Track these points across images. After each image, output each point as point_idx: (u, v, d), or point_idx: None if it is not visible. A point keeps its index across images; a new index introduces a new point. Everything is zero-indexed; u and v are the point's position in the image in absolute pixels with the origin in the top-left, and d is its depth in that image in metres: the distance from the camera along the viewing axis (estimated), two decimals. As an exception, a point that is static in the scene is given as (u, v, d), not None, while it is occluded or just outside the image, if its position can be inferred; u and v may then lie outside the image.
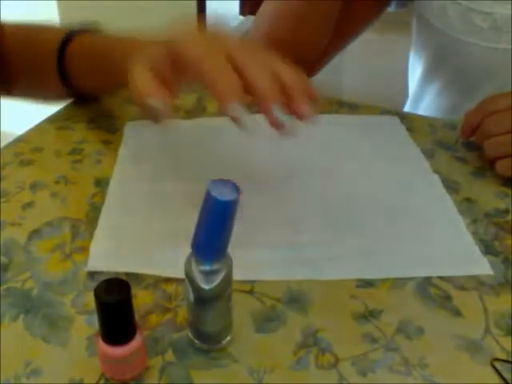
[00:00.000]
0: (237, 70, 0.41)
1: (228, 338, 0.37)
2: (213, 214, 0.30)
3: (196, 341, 0.36)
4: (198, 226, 0.31)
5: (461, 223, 0.48)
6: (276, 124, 0.40)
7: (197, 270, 0.33)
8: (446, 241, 0.46)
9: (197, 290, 0.33)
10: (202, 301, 0.34)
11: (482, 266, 0.43)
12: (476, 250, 0.45)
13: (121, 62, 0.52)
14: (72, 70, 0.59)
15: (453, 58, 0.70)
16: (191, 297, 0.34)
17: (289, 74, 0.43)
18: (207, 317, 0.35)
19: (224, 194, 0.30)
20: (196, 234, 0.32)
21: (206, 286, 0.33)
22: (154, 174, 0.52)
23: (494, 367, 0.36)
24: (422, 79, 0.80)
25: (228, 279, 0.34)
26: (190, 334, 0.37)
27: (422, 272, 0.43)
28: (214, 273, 0.33)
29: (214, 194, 0.30)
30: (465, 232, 0.47)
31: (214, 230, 0.31)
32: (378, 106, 0.66)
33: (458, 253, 0.45)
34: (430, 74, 0.78)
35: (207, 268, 0.33)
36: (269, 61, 0.43)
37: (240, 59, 0.41)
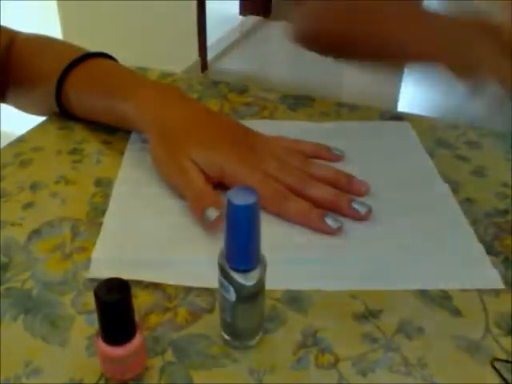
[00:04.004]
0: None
1: (261, 333, 0.37)
2: (237, 221, 0.32)
3: (232, 340, 0.37)
4: (227, 236, 0.32)
5: (472, 235, 0.47)
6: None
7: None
8: (456, 253, 0.45)
9: (239, 288, 0.34)
10: (245, 298, 0.34)
11: (493, 280, 0.42)
12: (488, 262, 0.44)
13: (119, 105, 0.54)
14: (68, 99, 0.60)
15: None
16: (232, 297, 0.34)
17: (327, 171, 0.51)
18: (248, 314, 0.36)
19: (244, 200, 0.31)
20: (227, 246, 0.33)
21: (248, 283, 0.33)
22: (158, 179, 0.52)
23: (494, 367, 0.36)
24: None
25: (264, 274, 0.34)
26: (225, 335, 0.37)
27: (432, 284, 0.42)
28: (252, 269, 0.33)
29: (235, 201, 0.31)
30: (476, 244, 0.46)
31: (242, 237, 0.32)
32: (377, 107, 0.67)
33: (469, 265, 0.44)
34: None
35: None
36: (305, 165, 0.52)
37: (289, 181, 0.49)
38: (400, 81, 2.43)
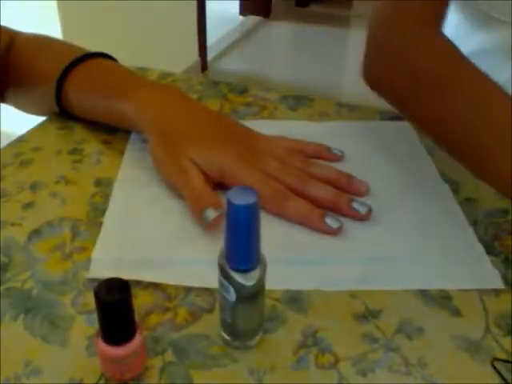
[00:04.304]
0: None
1: (261, 333, 0.37)
2: (237, 221, 0.31)
3: (232, 340, 0.37)
4: (227, 236, 0.32)
5: (472, 235, 0.47)
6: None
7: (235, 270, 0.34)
8: (456, 253, 0.45)
9: (239, 288, 0.34)
10: (245, 298, 0.34)
11: (493, 280, 0.42)
12: (488, 262, 0.44)
13: (119, 105, 0.54)
14: (68, 99, 0.60)
15: (477, 34, 0.68)
16: (232, 297, 0.34)
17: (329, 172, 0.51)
18: (248, 314, 0.36)
19: (244, 200, 0.31)
20: (227, 246, 0.33)
21: (248, 283, 0.33)
22: (158, 179, 0.52)
23: (494, 367, 0.36)
24: None
25: (264, 274, 0.34)
26: (225, 335, 0.37)
27: (432, 284, 0.42)
28: (252, 269, 0.33)
29: (235, 201, 0.30)
30: (476, 244, 0.46)
31: (242, 238, 0.32)
32: (377, 107, 0.66)
33: (469, 265, 0.44)
34: None
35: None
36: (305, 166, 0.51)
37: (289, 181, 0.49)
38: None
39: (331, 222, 0.46)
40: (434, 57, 0.51)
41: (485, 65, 0.58)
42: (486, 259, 0.44)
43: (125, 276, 0.33)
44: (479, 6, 0.69)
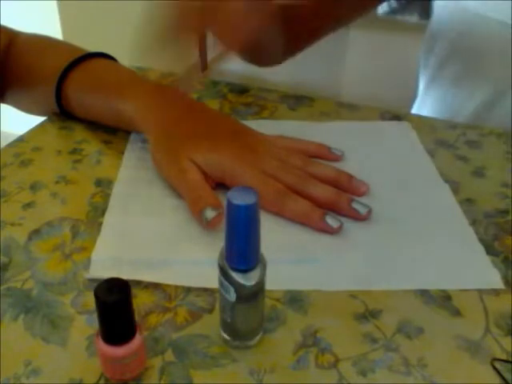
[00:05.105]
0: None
1: (261, 333, 0.37)
2: (237, 221, 0.31)
3: (232, 340, 0.37)
4: (227, 236, 0.32)
5: (472, 235, 0.47)
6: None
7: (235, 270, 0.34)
8: (456, 253, 0.45)
9: (239, 288, 0.34)
10: (245, 298, 0.34)
11: (493, 280, 0.42)
12: (488, 262, 0.44)
13: (118, 106, 0.54)
14: (68, 99, 0.60)
15: (475, 38, 0.69)
16: (232, 297, 0.34)
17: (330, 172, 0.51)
18: (248, 314, 0.36)
19: (244, 200, 0.31)
20: (227, 246, 0.33)
21: (248, 283, 0.33)
22: (158, 179, 0.52)
23: (494, 367, 0.36)
24: (434, 71, 0.79)
25: (264, 274, 0.34)
26: (225, 335, 0.37)
27: (432, 284, 0.42)
28: (252, 269, 0.33)
29: (235, 201, 0.30)
30: (476, 244, 0.46)
31: (243, 237, 0.32)
32: (377, 107, 0.67)
33: (469, 265, 0.44)
34: (444, 64, 0.77)
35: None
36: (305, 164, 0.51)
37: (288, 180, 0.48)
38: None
39: (331, 221, 0.46)
40: None
41: (483, 64, 0.58)
42: (486, 259, 0.44)
43: (125, 276, 0.33)
44: (476, 7, 0.70)
